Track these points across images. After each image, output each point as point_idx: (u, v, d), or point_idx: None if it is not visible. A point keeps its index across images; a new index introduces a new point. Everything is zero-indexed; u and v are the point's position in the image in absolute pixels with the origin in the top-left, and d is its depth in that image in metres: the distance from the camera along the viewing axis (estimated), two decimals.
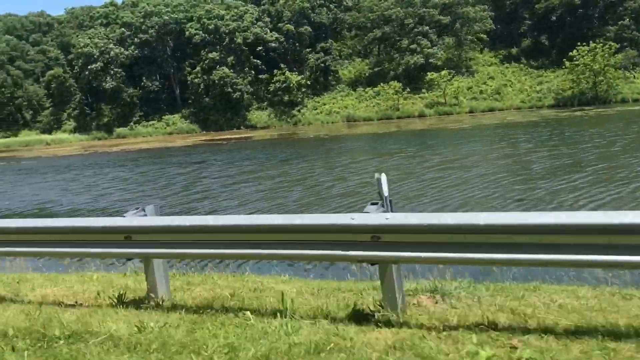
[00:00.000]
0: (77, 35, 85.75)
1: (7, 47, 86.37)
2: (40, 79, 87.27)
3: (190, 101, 79.77)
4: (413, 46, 66.76)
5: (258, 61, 74.81)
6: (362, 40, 75.70)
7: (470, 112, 59.75)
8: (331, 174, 21.97)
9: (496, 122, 46.06)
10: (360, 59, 79.66)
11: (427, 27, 67.18)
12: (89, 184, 25.20)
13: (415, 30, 67.51)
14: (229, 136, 62.08)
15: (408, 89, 64.48)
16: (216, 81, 70.69)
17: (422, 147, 30.63)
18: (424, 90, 66.21)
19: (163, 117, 78.40)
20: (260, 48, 74.38)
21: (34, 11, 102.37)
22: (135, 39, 76.22)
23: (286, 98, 72.26)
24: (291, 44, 74.40)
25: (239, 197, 18.08)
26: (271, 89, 71.32)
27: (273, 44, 73.40)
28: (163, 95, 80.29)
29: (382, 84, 66.38)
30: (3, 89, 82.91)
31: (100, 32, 78.27)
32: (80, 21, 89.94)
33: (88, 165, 36.74)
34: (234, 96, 71.30)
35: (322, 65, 73.45)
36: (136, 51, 76.53)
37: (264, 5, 77.36)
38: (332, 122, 66.82)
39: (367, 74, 75.14)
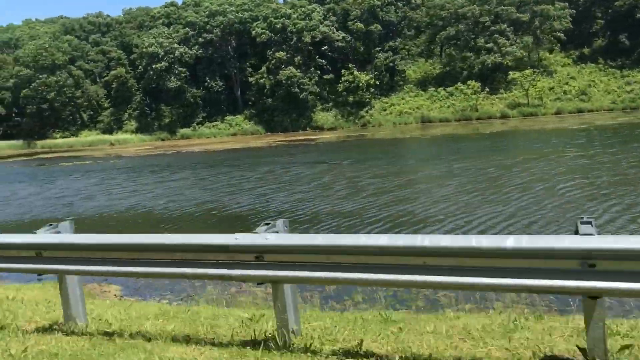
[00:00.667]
0: (138, 36, 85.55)
1: (68, 47, 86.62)
2: (98, 80, 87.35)
3: (251, 102, 78.72)
4: (489, 45, 64.34)
5: (323, 61, 73.32)
6: (431, 38, 73.56)
7: (557, 113, 57.08)
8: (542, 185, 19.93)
9: (603, 124, 43.37)
10: (423, 59, 77.61)
11: (505, 25, 64.68)
12: (235, 183, 23.76)
13: (492, 28, 65.07)
14: (301, 137, 60.56)
15: (487, 89, 62.13)
16: (283, 81, 69.32)
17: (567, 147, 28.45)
18: (501, 91, 63.77)
19: (225, 118, 77.44)
20: (324, 47, 72.87)
21: (92, 12, 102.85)
22: (200, 38, 75.43)
23: (353, 98, 70.60)
24: (357, 43, 72.69)
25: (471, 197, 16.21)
26: (339, 89, 69.69)
27: (340, 44, 71.78)
28: (224, 96, 79.37)
29: (459, 83, 64.25)
30: (65, 89, 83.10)
31: (163, 32, 77.72)
32: (140, 21, 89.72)
33: (196, 165, 35.53)
34: (301, 96, 69.85)
35: (391, 64, 71.55)
36: (200, 51, 75.74)
37: (328, 4, 75.79)
38: (405, 123, 64.81)
39: (434, 74, 73.02)
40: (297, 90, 69.23)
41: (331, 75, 73.13)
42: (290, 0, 75.95)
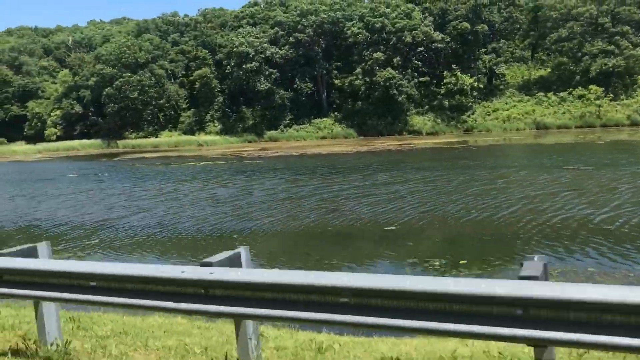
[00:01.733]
0: (221, 35, 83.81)
1: (150, 46, 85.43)
2: (173, 80, 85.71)
3: (335, 105, 75.96)
4: (610, 47, 60.05)
5: (419, 62, 70.07)
6: (536, 40, 69.60)
7: None
8: None
9: None
10: (524, 62, 73.67)
11: (627, 27, 60.35)
12: (456, 189, 20.57)
13: (612, 30, 60.78)
14: (407, 141, 57.26)
15: (611, 95, 57.85)
16: (381, 82, 66.23)
17: None
18: (622, 97, 59.39)
19: (312, 120, 74.78)
20: (421, 49, 69.64)
21: (167, 12, 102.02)
22: (290, 38, 72.97)
23: (452, 102, 67.11)
24: (456, 44, 69.21)
25: None
26: (441, 92, 66.29)
27: (438, 45, 68.40)
28: (311, 98, 76.81)
29: (574, 88, 60.12)
30: (147, 88, 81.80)
31: (252, 32, 75.62)
32: (222, 21, 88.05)
33: (369, 167, 32.63)
34: (399, 99, 66.66)
35: (493, 67, 67.88)
36: (291, 51, 73.29)
37: (424, 3, 72.57)
38: (517, 129, 60.90)
39: (537, 78, 69.03)
40: (395, 92, 66.05)
41: (426, 78, 69.84)
42: (384, 0, 72.89)
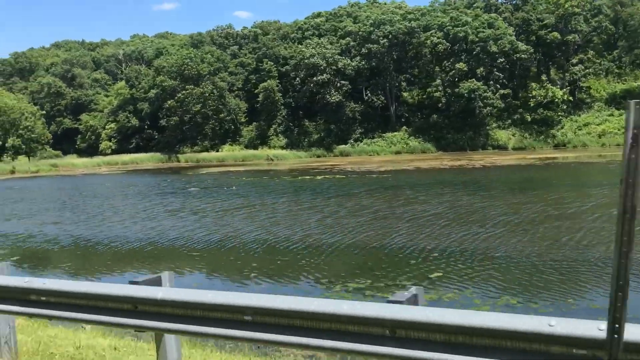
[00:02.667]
0: (285, 47, 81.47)
1: (211, 58, 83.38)
2: (233, 93, 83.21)
3: (403, 118, 72.86)
4: None
5: (499, 74, 66.72)
6: (626, 51, 65.90)
7: None
8: None
9: None
10: (605, 74, 69.90)
11: None
12: None
13: None
14: (496, 157, 53.72)
15: None
16: (465, 94, 62.96)
17: None
18: None
19: (383, 134, 71.65)
20: (501, 60, 66.29)
21: (222, 24, 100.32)
22: (363, 49, 70.18)
23: (537, 115, 63.57)
24: (540, 54, 65.82)
25: None
26: (531, 104, 62.75)
27: (522, 55, 65.02)
28: (380, 111, 73.77)
29: None
30: (209, 101, 79.54)
31: (321, 43, 73.05)
32: (284, 33, 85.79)
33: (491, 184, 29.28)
34: (484, 111, 63.29)
35: (580, 79, 64.26)
36: (362, 62, 70.47)
37: (504, 13, 69.42)
38: (617, 145, 56.98)
39: (623, 90, 65.18)
40: (480, 104, 62.71)
41: (507, 90, 66.43)
42: (462, 9, 69.93)
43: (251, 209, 23.16)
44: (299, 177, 40.02)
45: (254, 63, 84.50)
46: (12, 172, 68.61)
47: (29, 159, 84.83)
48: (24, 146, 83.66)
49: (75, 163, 76.58)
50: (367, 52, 69.74)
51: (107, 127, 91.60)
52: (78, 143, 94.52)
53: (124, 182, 46.82)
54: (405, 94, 75.85)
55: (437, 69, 67.02)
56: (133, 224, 20.83)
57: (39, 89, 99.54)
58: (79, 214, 24.54)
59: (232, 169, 58.27)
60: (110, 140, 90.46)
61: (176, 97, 78.35)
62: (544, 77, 62.97)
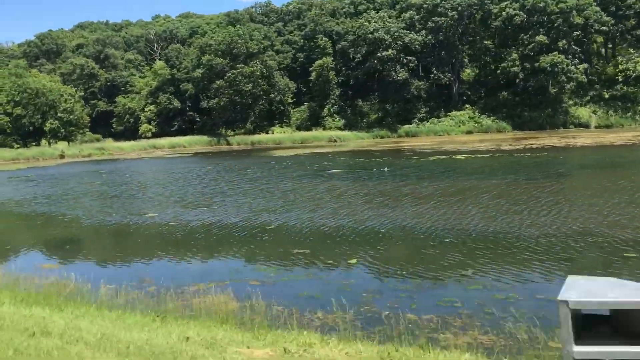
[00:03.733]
0: (337, 23, 77.34)
1: (259, 35, 79.25)
2: (277, 71, 79.08)
3: (465, 97, 69.08)
4: None
5: (577, 48, 62.79)
6: None
7: None
8: None
9: None
10: None
11: None
12: None
13: None
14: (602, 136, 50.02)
15: None
16: (548, 68, 59.06)
17: None
18: None
19: (449, 113, 67.88)
20: (577, 32, 62.32)
21: (260, 1, 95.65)
22: (429, 22, 66.09)
23: (621, 91, 59.78)
24: (624, 26, 61.81)
25: None
26: (619, 79, 58.90)
27: (603, 27, 61.05)
28: (444, 88, 69.94)
29: None
30: (259, 81, 75.54)
31: (383, 16, 68.91)
32: (334, 8, 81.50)
33: None
34: (567, 87, 59.46)
35: None
36: (429, 37, 66.45)
37: None
38: None
39: None
40: (563, 78, 58.82)
41: (585, 65, 62.57)
42: None
43: (477, 192, 19.44)
44: (433, 158, 36.16)
45: (301, 40, 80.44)
46: (62, 156, 64.93)
47: (68, 143, 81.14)
48: (62, 130, 79.86)
49: (122, 147, 72.67)
50: (433, 26, 65.67)
51: (146, 109, 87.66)
52: (114, 126, 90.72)
53: (209, 165, 43.13)
54: (467, 71, 72.05)
55: (510, 42, 62.99)
56: (370, 210, 17.02)
57: (70, 71, 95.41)
58: (277, 199, 20.58)
59: (302, 151, 54.54)
60: (149, 123, 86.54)
61: (226, 77, 74.31)
62: (631, 50, 58.91)
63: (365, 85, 72.00)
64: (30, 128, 79.07)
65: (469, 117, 66.15)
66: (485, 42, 66.94)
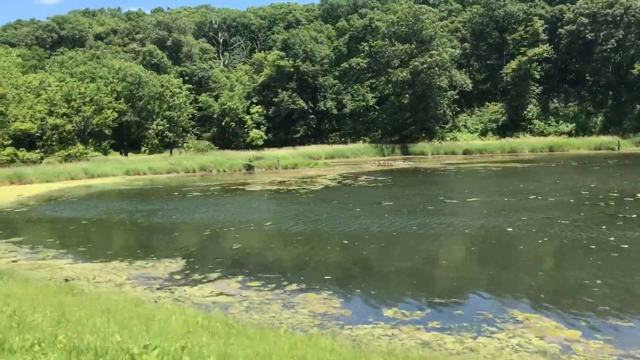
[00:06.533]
0: None
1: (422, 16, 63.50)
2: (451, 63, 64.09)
3: None
4: None
5: None
6: None
7: None
8: None
9: None
10: None
11: None
12: None
13: None
14: None
15: None
16: None
17: None
18: None
19: None
20: None
21: None
22: None
23: None
24: None
25: None
26: None
27: None
28: None
29: None
30: (440, 71, 59.78)
31: None
32: None
33: None
34: None
35: None
36: None
37: None
38: None
39: None
40: None
41: None
42: None
43: None
44: None
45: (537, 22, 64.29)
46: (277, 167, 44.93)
47: (171, 152, 59.98)
48: (170, 134, 58.73)
49: (279, 155, 53.11)
50: None
51: (252, 110, 68.19)
52: (212, 130, 70.00)
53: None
54: None
55: None
56: None
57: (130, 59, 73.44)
58: None
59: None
60: (259, 128, 67.19)
61: (410, 67, 57.74)
62: None
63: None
64: (138, 131, 57.54)
65: None
66: None
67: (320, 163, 46.53)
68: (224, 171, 44.64)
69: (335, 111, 66.40)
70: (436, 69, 56.93)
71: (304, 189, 28.66)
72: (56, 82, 52.38)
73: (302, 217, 18.67)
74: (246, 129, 67.54)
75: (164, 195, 28.29)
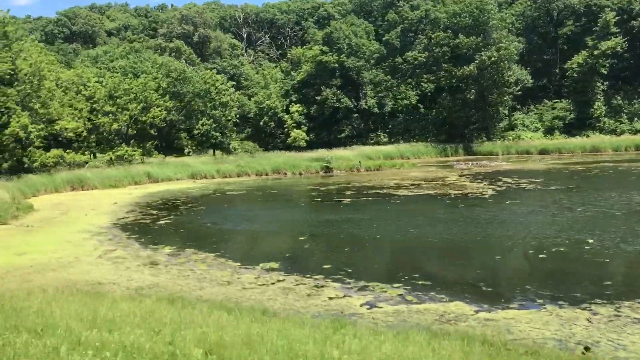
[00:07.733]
0: None
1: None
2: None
3: None
4: None
5: None
6: None
7: None
8: None
9: None
10: None
11: None
12: None
13: None
14: None
15: None
16: None
17: None
18: None
19: None
20: None
21: None
22: None
23: None
24: None
25: None
26: None
27: None
28: None
29: None
30: (503, 62, 55.93)
31: None
32: None
33: None
34: None
35: None
36: None
37: None
38: None
39: None
40: None
41: None
42: None
43: None
44: None
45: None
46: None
47: (214, 153, 54.95)
48: (217, 134, 53.65)
49: (338, 156, 48.28)
50: None
51: (291, 109, 63.44)
52: (247, 130, 64.99)
53: None
54: None
55: None
56: None
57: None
58: None
59: None
60: (300, 128, 62.42)
61: (477, 61, 53.65)
62: None
63: None
64: (180, 131, 52.41)
65: None
66: None
67: (406, 164, 42.08)
68: (300, 174, 40.03)
69: (376, 109, 62.02)
70: (505, 62, 52.99)
71: (473, 193, 24.29)
72: (95, 78, 47.10)
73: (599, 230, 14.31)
74: (286, 129, 62.79)
75: (312, 200, 23.68)
